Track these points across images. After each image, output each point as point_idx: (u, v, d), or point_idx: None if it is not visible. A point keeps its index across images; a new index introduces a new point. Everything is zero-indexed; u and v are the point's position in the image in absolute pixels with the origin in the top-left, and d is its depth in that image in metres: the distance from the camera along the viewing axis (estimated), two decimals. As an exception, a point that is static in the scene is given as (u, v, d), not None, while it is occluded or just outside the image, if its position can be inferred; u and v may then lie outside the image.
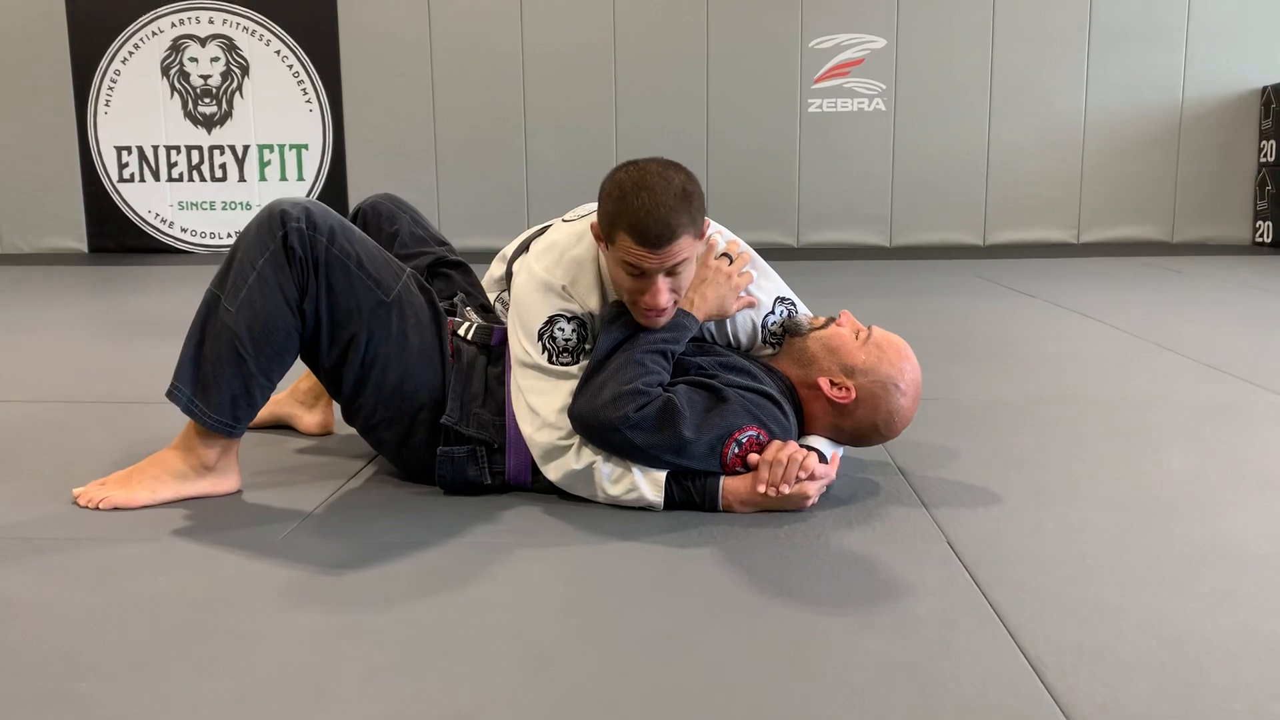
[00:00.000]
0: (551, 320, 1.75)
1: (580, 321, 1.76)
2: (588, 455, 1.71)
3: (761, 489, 1.68)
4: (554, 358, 1.75)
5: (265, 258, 1.74)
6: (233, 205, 6.47)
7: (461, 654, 1.25)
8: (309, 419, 2.23)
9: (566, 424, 1.72)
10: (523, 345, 1.77)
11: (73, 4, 6.29)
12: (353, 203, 6.40)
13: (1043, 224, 6.37)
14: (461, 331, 1.90)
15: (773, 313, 1.88)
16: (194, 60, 6.32)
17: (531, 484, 1.81)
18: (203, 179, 6.43)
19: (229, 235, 6.48)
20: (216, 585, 1.46)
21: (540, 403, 1.74)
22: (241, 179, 6.44)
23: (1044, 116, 6.26)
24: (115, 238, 6.47)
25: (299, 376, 2.25)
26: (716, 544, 1.59)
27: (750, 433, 1.69)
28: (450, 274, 2.08)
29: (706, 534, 1.62)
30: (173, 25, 6.30)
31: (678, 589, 1.44)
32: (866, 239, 6.37)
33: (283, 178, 6.42)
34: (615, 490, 1.71)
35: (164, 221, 6.48)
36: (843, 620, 1.32)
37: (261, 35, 6.29)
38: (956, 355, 3.08)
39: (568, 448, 1.72)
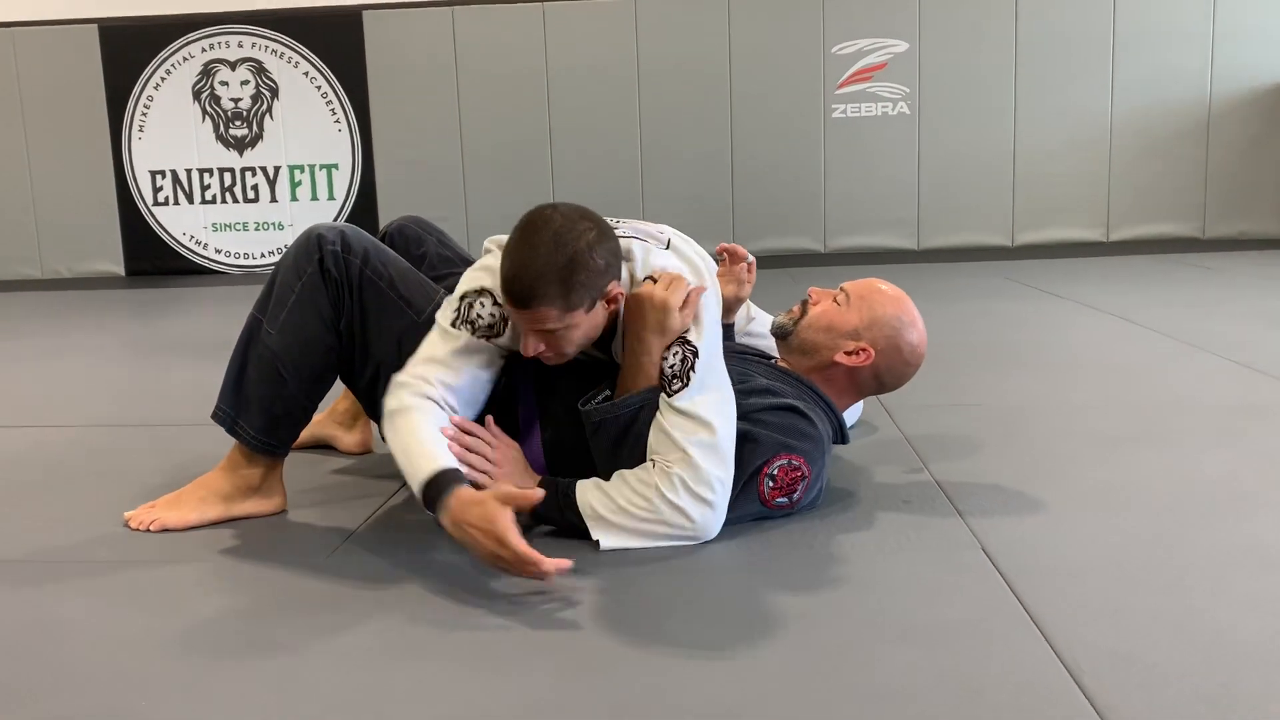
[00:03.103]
0: (481, 292, 1.72)
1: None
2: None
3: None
4: (457, 323, 1.72)
5: (303, 281, 1.79)
6: (265, 226, 6.56)
7: (508, 667, 1.28)
8: (349, 439, 2.27)
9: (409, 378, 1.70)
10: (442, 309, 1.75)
11: (106, 32, 6.42)
12: (383, 221, 6.47)
13: (1071, 223, 6.33)
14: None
15: (669, 348, 1.68)
16: (224, 84, 6.42)
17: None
18: (235, 200, 6.53)
19: (262, 255, 6.57)
20: (266, 604, 1.51)
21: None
22: (273, 200, 6.53)
23: (1070, 115, 6.23)
24: (152, 260, 6.58)
25: (337, 397, 2.30)
26: (748, 552, 1.61)
27: (780, 462, 1.70)
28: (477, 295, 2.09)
29: (739, 545, 1.65)
30: (203, 50, 6.40)
31: (715, 600, 1.47)
32: (894, 243, 6.37)
33: (314, 197, 6.50)
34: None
35: (198, 243, 6.58)
36: (879, 629, 1.34)
37: (290, 58, 6.38)
38: (988, 360, 3.08)
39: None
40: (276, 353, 1.78)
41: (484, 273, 1.74)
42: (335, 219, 6.46)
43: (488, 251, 1.79)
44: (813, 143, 6.33)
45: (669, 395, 1.65)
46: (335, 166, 6.47)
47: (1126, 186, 6.28)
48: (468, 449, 1.69)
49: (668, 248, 1.79)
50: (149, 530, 1.79)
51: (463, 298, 1.73)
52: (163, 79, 6.43)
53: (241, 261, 6.59)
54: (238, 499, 1.84)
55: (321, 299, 1.79)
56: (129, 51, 6.42)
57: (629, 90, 6.32)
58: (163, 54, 6.41)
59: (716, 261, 2.01)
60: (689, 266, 1.76)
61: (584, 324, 1.66)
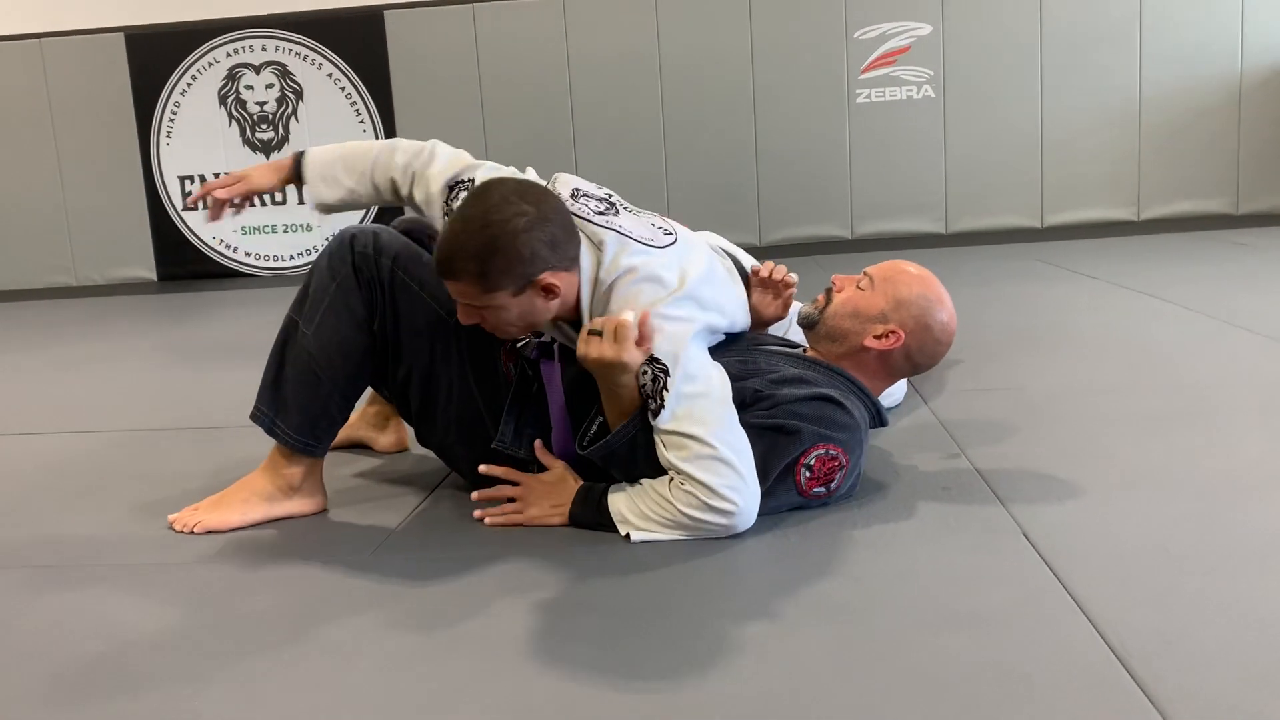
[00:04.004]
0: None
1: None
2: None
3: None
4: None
5: (337, 282, 1.81)
6: (294, 228, 6.61)
7: (551, 661, 1.28)
8: (383, 439, 2.29)
9: None
10: None
11: (132, 40, 6.48)
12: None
13: (1101, 203, 6.26)
14: (519, 345, 1.94)
15: (640, 371, 1.64)
16: (250, 88, 6.47)
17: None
18: (264, 204, 6.58)
19: (291, 258, 6.62)
20: (312, 602, 1.52)
21: None
22: (301, 202, 6.55)
23: (1098, 93, 6.16)
24: (183, 265, 6.65)
25: (366, 401, 2.31)
26: (788, 542, 1.61)
27: (817, 452, 1.70)
28: None
29: (777, 535, 1.65)
30: (228, 55, 6.45)
31: (755, 592, 1.47)
32: (921, 227, 6.32)
33: (340, 198, 6.54)
34: None
35: (228, 247, 6.64)
36: (922, 617, 1.34)
37: (314, 60, 6.42)
38: (1021, 343, 3.06)
39: None
40: (312, 354, 1.80)
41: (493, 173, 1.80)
42: (362, 219, 6.50)
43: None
44: (837, 129, 6.29)
45: (653, 418, 1.63)
46: (361, 167, 6.49)
47: (1157, 164, 6.20)
48: (491, 498, 1.80)
49: (669, 246, 1.75)
50: (193, 532, 1.82)
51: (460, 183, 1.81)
52: (189, 85, 6.49)
53: (271, 264, 6.64)
54: (279, 499, 1.86)
55: (355, 300, 1.81)
56: (155, 58, 6.48)
57: (651, 81, 6.31)
58: (188, 60, 6.46)
59: (747, 288, 1.97)
60: (663, 276, 1.69)
61: (514, 307, 1.65)
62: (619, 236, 1.71)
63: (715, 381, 1.66)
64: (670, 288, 1.68)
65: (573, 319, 1.74)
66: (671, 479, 1.63)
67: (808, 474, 1.70)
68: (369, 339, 1.82)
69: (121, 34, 6.48)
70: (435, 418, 1.89)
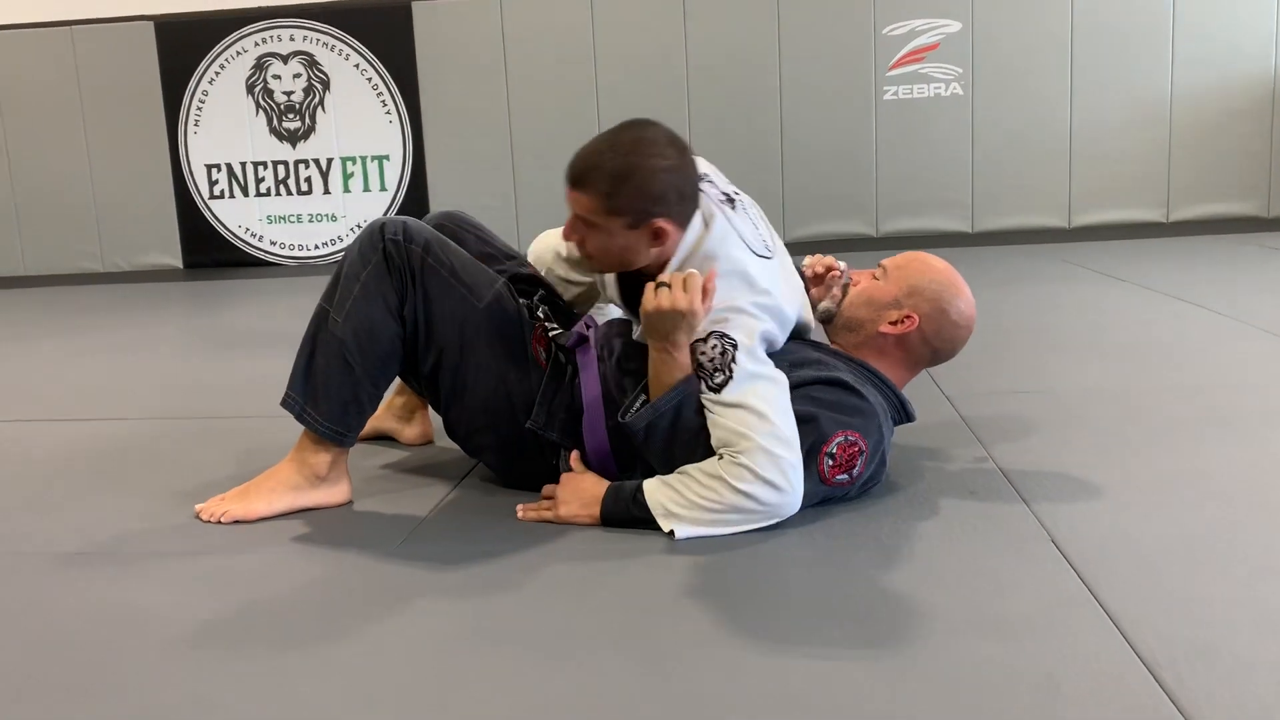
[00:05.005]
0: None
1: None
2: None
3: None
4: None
5: (368, 270, 1.82)
6: (319, 218, 6.64)
7: (578, 655, 1.29)
8: (409, 431, 2.30)
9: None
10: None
11: (161, 28, 6.52)
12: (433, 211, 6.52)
13: (1130, 204, 6.21)
14: (552, 335, 1.95)
15: (704, 340, 1.68)
16: (277, 77, 6.50)
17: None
18: (289, 193, 6.61)
19: (316, 247, 6.66)
20: (339, 593, 1.53)
21: None
22: (326, 191, 6.60)
23: (1128, 92, 6.10)
24: (209, 253, 6.69)
25: (393, 393, 2.32)
26: (815, 548, 1.61)
27: (838, 439, 1.70)
28: (526, 287, 2.09)
29: (804, 536, 1.64)
30: (255, 44, 6.48)
31: (784, 593, 1.47)
32: (948, 225, 6.29)
33: (366, 188, 6.57)
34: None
35: (254, 235, 6.68)
36: (950, 623, 1.33)
37: (341, 50, 6.44)
38: (1048, 345, 3.04)
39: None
40: (344, 340, 1.80)
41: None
42: (387, 210, 6.53)
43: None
44: (864, 125, 6.26)
45: (714, 389, 1.65)
46: (386, 158, 6.52)
47: (1187, 165, 6.14)
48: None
49: (766, 259, 1.78)
50: (220, 522, 1.83)
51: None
52: (217, 73, 6.53)
53: (296, 253, 6.68)
54: (306, 489, 1.87)
55: (386, 286, 1.81)
56: (184, 47, 6.52)
57: (678, 76, 6.30)
58: (216, 49, 6.50)
59: (804, 280, 1.98)
60: (753, 278, 1.73)
61: (621, 238, 1.71)
62: (728, 225, 1.77)
63: (777, 371, 1.70)
64: (757, 291, 1.72)
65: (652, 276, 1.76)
66: (721, 456, 1.64)
67: (830, 462, 1.69)
68: (399, 326, 1.83)
69: (151, 22, 6.53)
70: (464, 404, 1.89)
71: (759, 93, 6.27)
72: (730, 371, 1.65)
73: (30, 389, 3.19)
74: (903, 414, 1.85)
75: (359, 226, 6.59)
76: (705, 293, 1.67)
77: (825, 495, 1.73)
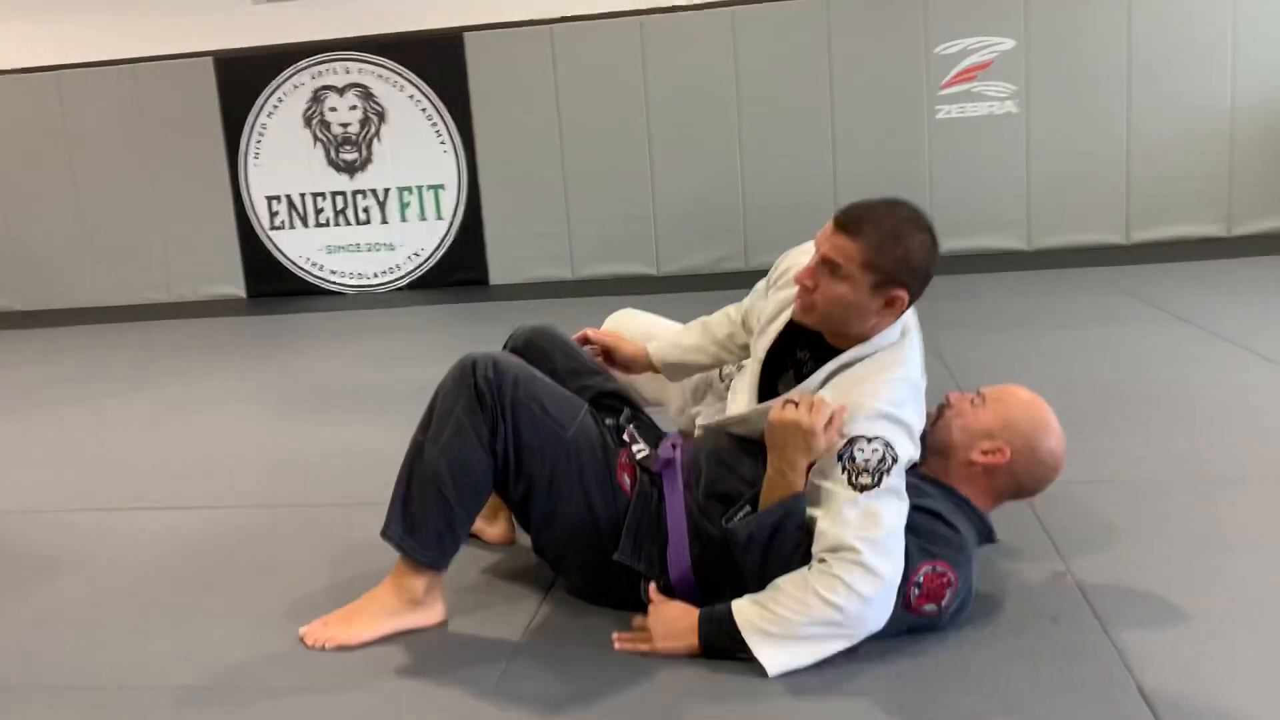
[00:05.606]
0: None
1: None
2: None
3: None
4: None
5: (461, 404, 1.89)
6: (377, 247, 6.75)
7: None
8: (493, 531, 2.37)
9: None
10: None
11: (221, 64, 6.64)
12: (490, 240, 6.61)
13: (1190, 218, 6.12)
14: (639, 458, 2.00)
15: (869, 440, 1.72)
16: (333, 110, 6.60)
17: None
18: (348, 223, 6.73)
19: (374, 275, 6.77)
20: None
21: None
22: (384, 221, 6.71)
23: (1187, 106, 6.01)
24: (271, 283, 6.83)
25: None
26: (902, 685, 1.64)
27: (925, 569, 1.73)
28: (612, 403, 2.14)
29: (889, 668, 1.67)
30: (312, 78, 6.59)
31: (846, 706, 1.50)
32: (1004, 244, 6.24)
33: (422, 218, 6.66)
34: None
35: (315, 265, 6.81)
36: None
37: (395, 81, 6.52)
38: (1116, 410, 3.01)
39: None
40: (439, 474, 1.88)
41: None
42: (443, 238, 6.62)
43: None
44: (916, 145, 6.23)
45: (856, 489, 1.69)
46: (442, 187, 6.61)
47: (1249, 179, 6.04)
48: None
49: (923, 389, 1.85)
50: (324, 648, 1.91)
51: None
52: (275, 107, 6.65)
53: (356, 281, 6.80)
54: (403, 613, 1.95)
55: (478, 421, 1.88)
56: (242, 81, 6.65)
57: (728, 100, 6.30)
58: (274, 83, 6.62)
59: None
60: (921, 396, 1.82)
61: (858, 293, 1.77)
62: (919, 343, 1.89)
63: (905, 496, 1.74)
64: (921, 416, 1.80)
65: (843, 348, 1.86)
66: (813, 565, 1.69)
67: (917, 591, 1.73)
68: (491, 459, 1.89)
69: (210, 58, 6.66)
70: (553, 531, 1.96)
71: (810, 115, 6.26)
72: (879, 480, 1.70)
73: (112, 464, 3.27)
74: (987, 537, 1.89)
75: (416, 255, 6.70)
76: (830, 421, 1.72)
77: (911, 625, 1.77)
